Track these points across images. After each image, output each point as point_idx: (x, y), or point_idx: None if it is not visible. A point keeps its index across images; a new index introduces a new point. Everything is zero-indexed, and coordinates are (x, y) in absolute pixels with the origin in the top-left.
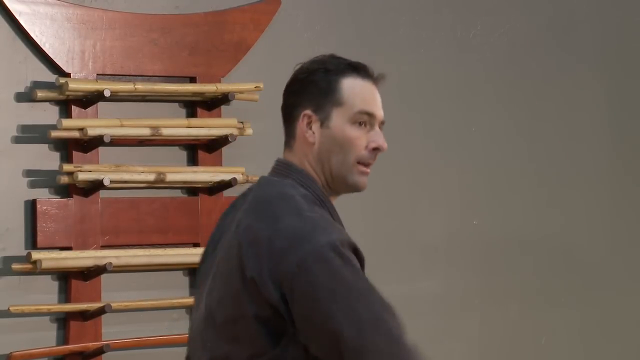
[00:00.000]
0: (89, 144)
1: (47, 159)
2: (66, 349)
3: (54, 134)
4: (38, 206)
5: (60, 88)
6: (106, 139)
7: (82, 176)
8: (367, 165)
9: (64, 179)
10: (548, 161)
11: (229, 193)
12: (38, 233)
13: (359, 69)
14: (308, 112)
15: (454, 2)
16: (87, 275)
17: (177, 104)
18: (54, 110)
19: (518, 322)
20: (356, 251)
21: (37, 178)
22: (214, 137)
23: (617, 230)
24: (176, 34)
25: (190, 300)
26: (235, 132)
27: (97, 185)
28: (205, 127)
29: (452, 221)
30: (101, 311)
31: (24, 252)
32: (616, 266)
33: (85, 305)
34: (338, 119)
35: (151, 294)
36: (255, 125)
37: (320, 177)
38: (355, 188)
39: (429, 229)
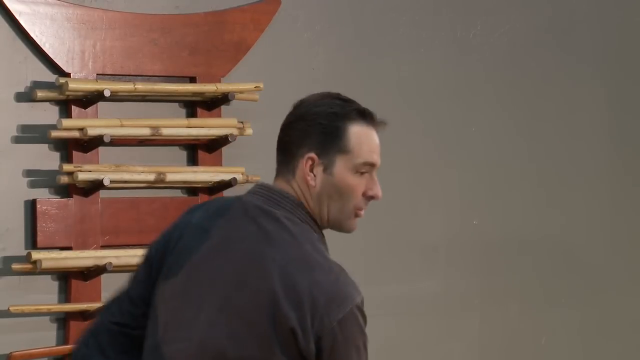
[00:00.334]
0: (89, 144)
1: (47, 159)
2: (66, 349)
3: (54, 134)
4: (38, 206)
5: (60, 88)
6: (106, 139)
7: (82, 176)
8: (361, 210)
9: (64, 179)
10: (548, 161)
11: (229, 193)
12: (38, 233)
13: (365, 116)
14: (312, 155)
15: (454, 2)
16: (87, 275)
17: (177, 104)
18: (54, 110)
19: (518, 322)
20: None
21: (37, 178)
22: (214, 137)
23: (617, 230)
24: (176, 34)
25: None
26: (235, 132)
27: (97, 185)
28: (205, 127)
29: (452, 221)
30: None
31: (24, 252)
32: (616, 266)
33: (85, 305)
34: (341, 167)
35: None
36: (255, 125)
37: (315, 216)
38: (347, 231)
39: (429, 229)
